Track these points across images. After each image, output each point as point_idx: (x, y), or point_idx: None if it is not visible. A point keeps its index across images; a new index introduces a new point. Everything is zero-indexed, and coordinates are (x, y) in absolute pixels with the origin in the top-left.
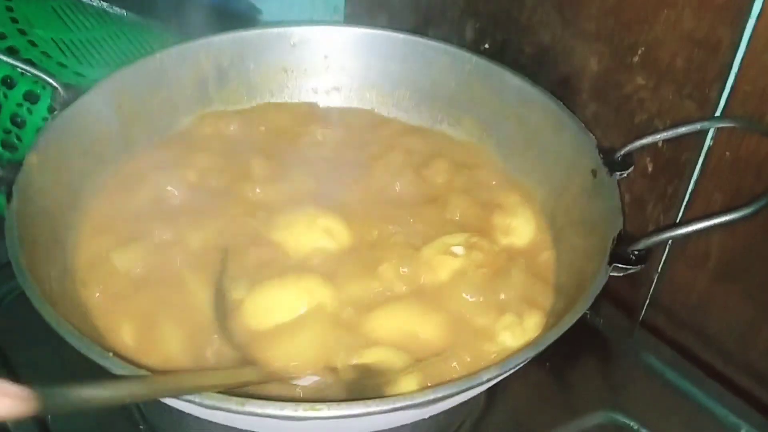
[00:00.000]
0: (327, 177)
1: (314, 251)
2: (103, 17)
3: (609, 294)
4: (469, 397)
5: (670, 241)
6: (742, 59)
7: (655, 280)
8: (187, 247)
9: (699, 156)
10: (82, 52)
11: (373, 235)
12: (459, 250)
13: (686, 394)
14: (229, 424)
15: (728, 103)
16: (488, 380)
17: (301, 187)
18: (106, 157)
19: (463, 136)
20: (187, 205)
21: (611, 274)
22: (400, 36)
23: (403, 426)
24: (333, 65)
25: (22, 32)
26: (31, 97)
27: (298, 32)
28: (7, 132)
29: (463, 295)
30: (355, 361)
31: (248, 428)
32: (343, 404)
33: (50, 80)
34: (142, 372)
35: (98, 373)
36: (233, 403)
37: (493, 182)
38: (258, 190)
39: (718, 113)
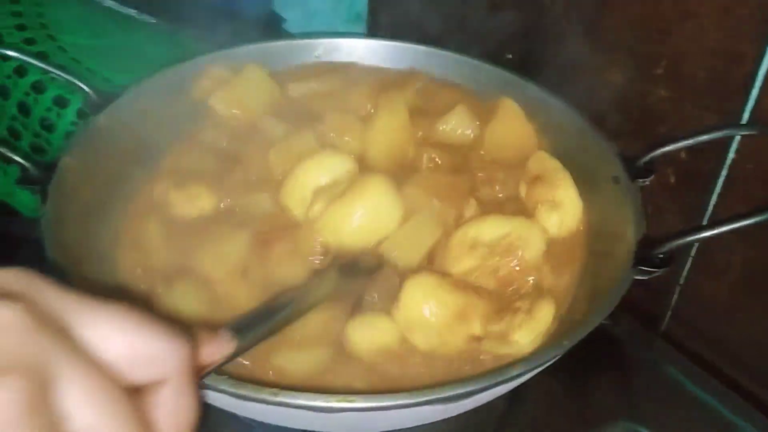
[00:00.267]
0: None
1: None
2: (132, 24)
3: (630, 305)
4: (495, 396)
5: (692, 253)
6: (767, 71)
7: (677, 292)
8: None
9: (722, 168)
10: (110, 58)
11: None
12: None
13: (706, 407)
14: (256, 417)
15: (752, 115)
16: (517, 376)
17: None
18: (137, 159)
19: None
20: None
21: (635, 277)
22: (422, 48)
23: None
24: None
25: (52, 38)
26: (61, 102)
27: (322, 43)
28: (37, 135)
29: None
30: None
31: (273, 422)
32: (375, 396)
33: (82, 85)
34: None
35: None
36: (266, 393)
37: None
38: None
39: None
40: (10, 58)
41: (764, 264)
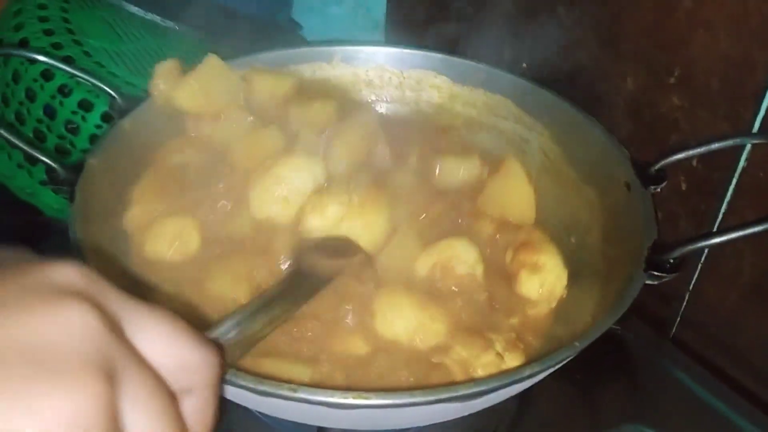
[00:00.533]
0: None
1: None
2: (155, 29)
3: (640, 310)
4: (507, 396)
5: (702, 259)
6: None
7: (687, 297)
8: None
9: (733, 175)
10: (133, 62)
11: None
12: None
13: (714, 410)
14: (274, 414)
15: (763, 124)
16: (529, 376)
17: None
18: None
19: (499, 151)
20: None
21: (646, 281)
22: (438, 55)
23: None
24: (374, 83)
25: (78, 42)
26: (85, 105)
27: (339, 50)
28: (62, 138)
29: None
30: None
31: (290, 418)
32: (390, 394)
33: (108, 89)
34: None
35: None
36: (285, 389)
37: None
38: None
39: None
40: (37, 61)
41: None
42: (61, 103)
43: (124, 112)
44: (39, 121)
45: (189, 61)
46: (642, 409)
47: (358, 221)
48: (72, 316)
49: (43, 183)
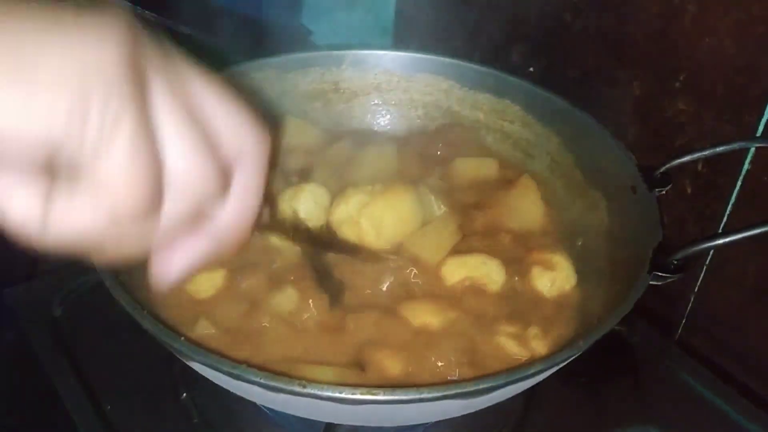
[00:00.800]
0: None
1: None
2: (167, 35)
3: (646, 313)
4: (514, 393)
5: (707, 261)
6: None
7: (692, 300)
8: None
9: (737, 179)
10: None
11: None
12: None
13: (719, 412)
14: (283, 410)
15: (767, 127)
16: (534, 373)
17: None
18: None
19: (506, 155)
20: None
21: (651, 282)
22: (446, 60)
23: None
24: (382, 87)
25: None
26: None
27: (349, 55)
28: None
29: None
30: None
31: (298, 413)
32: (398, 390)
33: None
34: (214, 354)
35: (159, 365)
36: (295, 385)
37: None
38: None
39: None
40: None
41: None
42: None
43: None
44: None
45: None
46: (647, 411)
47: (380, 205)
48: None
49: None
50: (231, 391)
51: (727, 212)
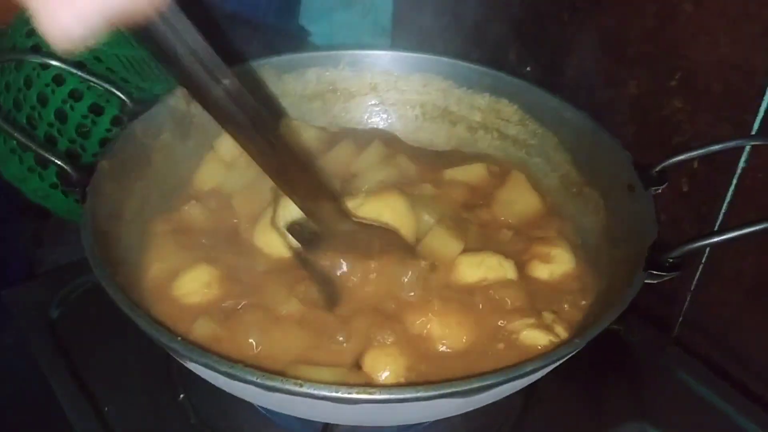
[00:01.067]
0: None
1: None
2: None
3: (643, 311)
4: (511, 391)
5: (704, 260)
6: None
7: (689, 299)
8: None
9: (733, 177)
10: (143, 68)
11: None
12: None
13: (715, 409)
14: (280, 410)
15: (762, 125)
16: (531, 371)
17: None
18: (168, 165)
19: (502, 156)
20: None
21: (646, 280)
22: (444, 60)
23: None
24: (379, 87)
25: (89, 48)
26: (96, 109)
27: (346, 55)
28: (72, 141)
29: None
30: None
31: (295, 413)
32: (394, 389)
33: (119, 93)
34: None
35: (156, 366)
36: (291, 384)
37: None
38: None
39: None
40: (50, 66)
41: None
42: (72, 108)
43: (134, 116)
44: (50, 125)
45: None
46: (645, 408)
47: (377, 203)
48: None
49: (53, 186)
50: (228, 391)
51: (723, 210)
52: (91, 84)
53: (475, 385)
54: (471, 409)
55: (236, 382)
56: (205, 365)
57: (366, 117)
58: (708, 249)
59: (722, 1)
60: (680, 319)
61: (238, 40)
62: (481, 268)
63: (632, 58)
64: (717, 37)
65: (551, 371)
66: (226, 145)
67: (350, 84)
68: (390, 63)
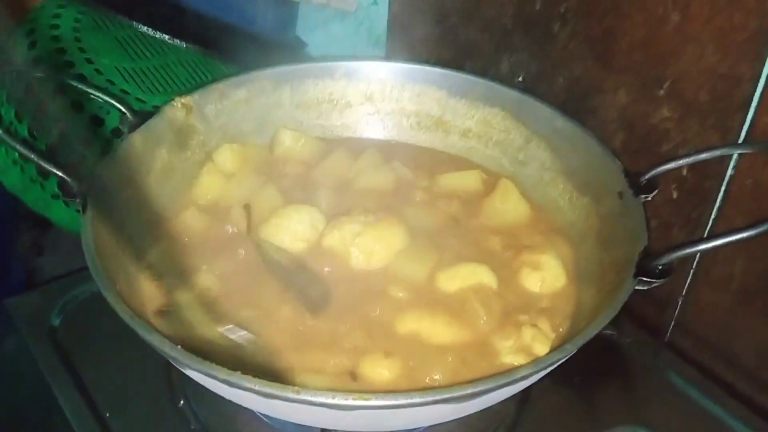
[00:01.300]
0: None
1: None
2: (164, 48)
3: (635, 316)
4: (504, 397)
5: (694, 264)
6: (762, 92)
7: (680, 303)
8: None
9: (722, 183)
10: (143, 80)
11: None
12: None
13: (708, 412)
14: (277, 416)
15: (749, 133)
16: (523, 377)
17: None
18: (167, 176)
19: (494, 164)
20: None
21: (636, 287)
22: (438, 70)
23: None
24: (375, 98)
25: (89, 61)
26: (96, 121)
27: (342, 66)
28: None
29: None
30: None
31: (293, 419)
32: (389, 395)
33: (119, 105)
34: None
35: (157, 373)
36: (289, 391)
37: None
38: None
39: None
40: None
41: (764, 275)
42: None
43: (134, 128)
44: None
45: (196, 78)
46: (638, 412)
47: (372, 235)
48: None
49: (54, 196)
50: (227, 398)
51: (713, 216)
52: (91, 96)
53: (469, 390)
54: (466, 414)
55: (235, 390)
56: (204, 373)
57: (362, 126)
58: (699, 255)
59: (709, 12)
60: (672, 323)
61: (236, 51)
62: (457, 279)
63: (621, 67)
64: (704, 46)
65: (545, 376)
66: (225, 157)
67: (346, 94)
68: (385, 73)
